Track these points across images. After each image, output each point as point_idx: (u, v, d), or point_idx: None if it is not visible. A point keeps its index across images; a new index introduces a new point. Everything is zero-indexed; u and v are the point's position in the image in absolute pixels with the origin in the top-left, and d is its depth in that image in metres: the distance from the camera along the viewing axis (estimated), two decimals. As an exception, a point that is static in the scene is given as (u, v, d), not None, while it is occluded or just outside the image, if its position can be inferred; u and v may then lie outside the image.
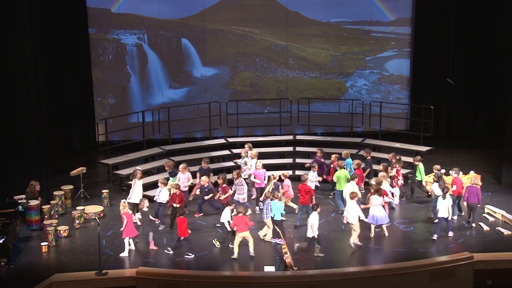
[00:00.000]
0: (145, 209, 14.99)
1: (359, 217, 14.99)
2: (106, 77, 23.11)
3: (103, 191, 17.77)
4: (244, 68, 23.93)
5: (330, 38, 24.13)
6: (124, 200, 15.50)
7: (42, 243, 14.85)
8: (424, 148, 20.14)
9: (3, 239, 13.75)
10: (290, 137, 21.92)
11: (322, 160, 18.58)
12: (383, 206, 15.84)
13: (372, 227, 15.52)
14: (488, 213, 16.77)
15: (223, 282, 13.51)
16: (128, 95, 23.34)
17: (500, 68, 22.64)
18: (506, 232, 15.68)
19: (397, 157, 17.86)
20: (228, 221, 15.02)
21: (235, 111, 22.60)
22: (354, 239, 14.96)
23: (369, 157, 18.41)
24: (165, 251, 14.64)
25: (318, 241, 14.43)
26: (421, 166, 17.79)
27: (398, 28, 24.20)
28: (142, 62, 23.29)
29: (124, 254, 14.59)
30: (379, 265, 14.09)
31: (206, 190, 16.68)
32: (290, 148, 21.24)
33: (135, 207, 16.05)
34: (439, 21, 23.84)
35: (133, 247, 14.82)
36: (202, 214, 16.84)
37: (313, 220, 14.38)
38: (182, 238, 14.53)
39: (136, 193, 16.26)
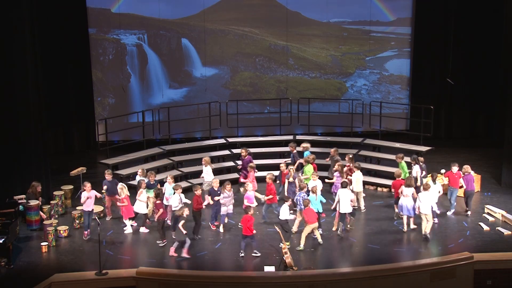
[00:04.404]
0: (185, 215, 14.61)
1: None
2: (106, 77, 23.11)
3: (103, 191, 17.75)
4: (244, 68, 23.92)
5: (330, 38, 24.12)
6: (123, 184, 15.92)
7: (42, 243, 14.88)
8: (424, 148, 20.12)
9: (3, 239, 13.76)
10: (290, 137, 21.89)
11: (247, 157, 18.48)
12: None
13: (404, 218, 15.85)
14: (488, 213, 16.79)
15: (223, 282, 13.51)
16: (128, 95, 23.33)
17: (500, 68, 22.64)
18: (506, 232, 15.70)
19: (350, 156, 17.95)
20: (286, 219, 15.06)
21: (235, 111, 22.59)
22: (429, 229, 15.31)
23: (294, 151, 18.50)
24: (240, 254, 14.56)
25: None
26: (404, 164, 17.87)
27: (398, 28, 24.19)
28: (142, 62, 23.28)
29: (128, 231, 15.57)
30: (379, 265, 14.10)
31: (218, 192, 16.00)
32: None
33: (144, 217, 15.96)
34: (439, 21, 23.82)
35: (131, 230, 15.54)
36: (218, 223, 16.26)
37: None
38: (248, 236, 14.41)
39: (140, 203, 15.95)
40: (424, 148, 20.13)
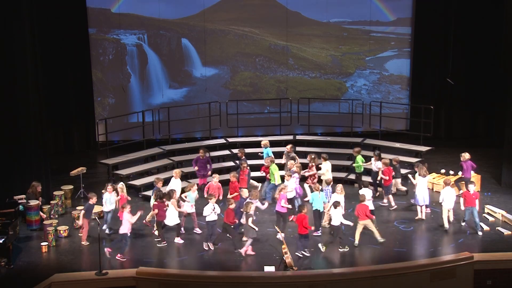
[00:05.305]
0: (251, 212, 14.61)
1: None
2: (106, 77, 23.11)
3: (103, 191, 17.72)
4: (244, 68, 23.93)
5: (330, 38, 24.12)
6: (123, 183, 15.98)
7: (42, 243, 14.88)
8: (424, 148, 20.14)
9: (3, 239, 13.76)
10: (290, 137, 21.92)
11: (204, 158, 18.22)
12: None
13: (418, 208, 16.27)
14: (488, 213, 16.78)
15: (223, 282, 13.52)
16: (128, 95, 23.33)
17: (500, 68, 22.63)
18: (506, 232, 15.70)
19: (312, 156, 17.91)
20: (341, 222, 14.82)
21: (235, 111, 22.59)
22: (446, 222, 15.83)
23: (243, 157, 18.29)
24: (300, 253, 14.46)
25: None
26: (359, 157, 18.09)
27: (398, 28, 24.19)
28: (142, 62, 23.28)
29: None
30: (379, 265, 14.10)
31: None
32: (290, 148, 21.24)
33: (178, 228, 15.45)
34: (439, 21, 23.82)
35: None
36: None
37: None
38: (303, 235, 14.36)
39: (174, 214, 15.27)
40: (424, 148, 20.14)
